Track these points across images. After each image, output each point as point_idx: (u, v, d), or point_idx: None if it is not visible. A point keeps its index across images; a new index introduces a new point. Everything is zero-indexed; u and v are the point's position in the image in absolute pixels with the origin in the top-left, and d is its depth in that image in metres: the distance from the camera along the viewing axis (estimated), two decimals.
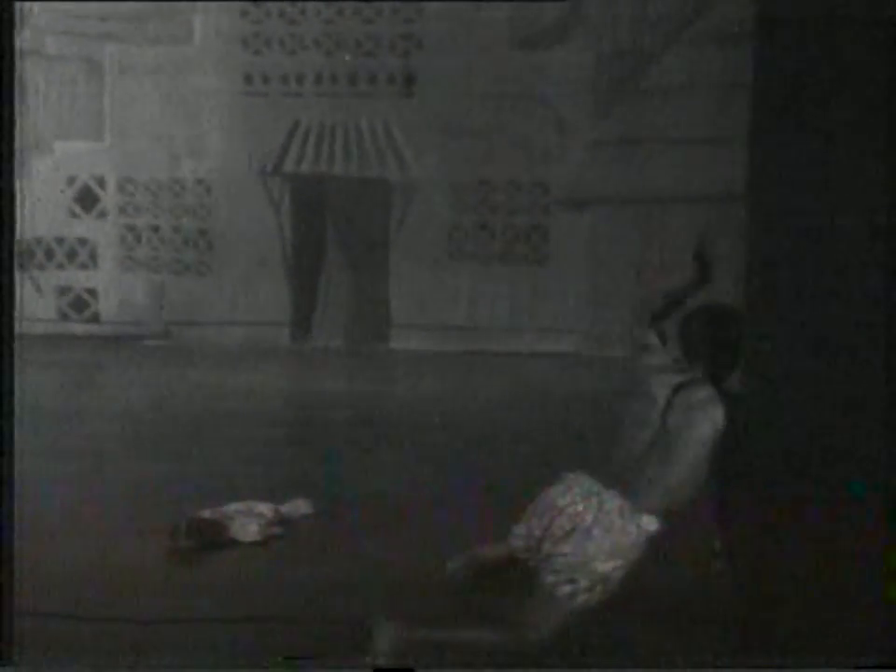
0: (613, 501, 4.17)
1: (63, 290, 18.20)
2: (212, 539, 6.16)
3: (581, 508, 4.19)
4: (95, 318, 18.24)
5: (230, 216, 18.13)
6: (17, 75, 3.42)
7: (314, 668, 3.23)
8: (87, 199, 18.37)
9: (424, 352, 17.12)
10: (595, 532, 4.13)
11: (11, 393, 3.64)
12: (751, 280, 5.04)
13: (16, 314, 3.90)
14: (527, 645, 4.20)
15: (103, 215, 18.35)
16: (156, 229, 18.40)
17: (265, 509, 6.59)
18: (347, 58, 16.66)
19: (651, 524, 4.15)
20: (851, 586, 3.78)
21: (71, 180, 18.25)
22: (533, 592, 4.21)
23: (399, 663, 3.19)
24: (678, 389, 4.32)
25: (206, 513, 6.40)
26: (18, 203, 3.61)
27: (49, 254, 18.24)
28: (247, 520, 6.39)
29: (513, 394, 13.01)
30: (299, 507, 6.85)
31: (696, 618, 3.56)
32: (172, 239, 18.34)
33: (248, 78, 18.10)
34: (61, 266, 18.30)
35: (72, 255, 18.33)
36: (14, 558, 3.53)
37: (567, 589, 4.13)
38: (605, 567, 4.11)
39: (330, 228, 18.39)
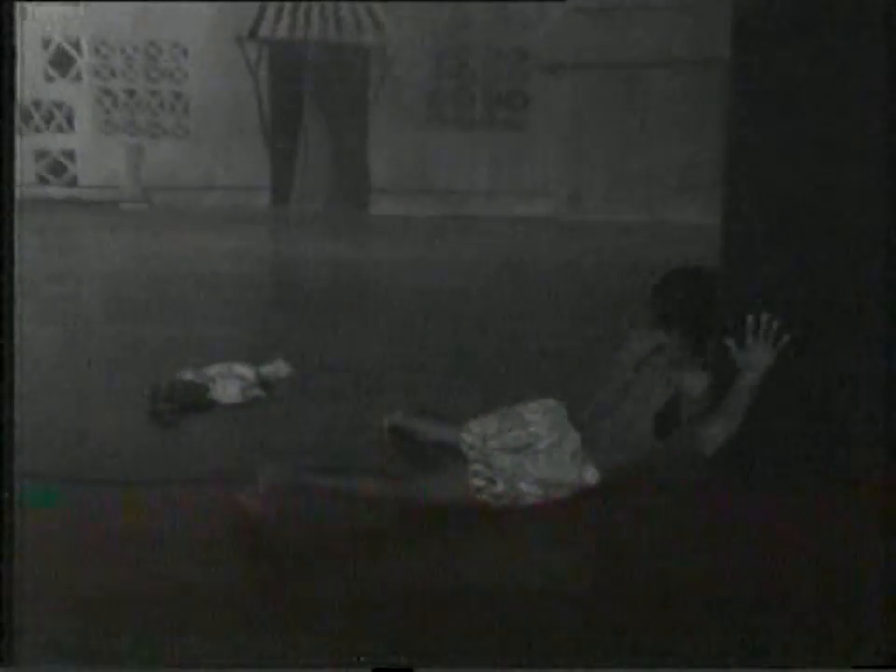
0: (572, 444, 4.30)
1: (40, 154, 17.94)
2: (192, 400, 6.12)
3: (543, 432, 4.30)
4: (73, 182, 18.02)
5: (206, 80, 17.85)
6: None
7: (313, 669, 3.24)
8: (62, 62, 18.05)
9: (403, 216, 17.02)
10: (540, 458, 4.26)
11: (12, 261, 3.58)
12: (731, 162, 4.87)
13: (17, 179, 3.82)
14: (404, 505, 4.26)
15: (78, 78, 18.03)
16: (132, 92, 18.10)
17: (245, 371, 6.53)
18: None
19: (593, 477, 4.29)
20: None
21: (46, 43, 17.89)
22: (449, 466, 4.32)
23: (399, 662, 3.21)
24: (654, 349, 4.42)
25: (187, 375, 6.35)
26: (18, 64, 3.53)
27: (26, 117, 17.96)
28: (228, 382, 6.34)
29: (491, 259, 12.96)
30: (279, 369, 6.81)
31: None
32: (148, 102, 18.07)
33: None
34: (38, 130, 18.03)
35: (49, 118, 18.06)
36: (14, 547, 3.52)
37: (480, 483, 4.23)
38: (527, 488, 4.24)
39: (308, 93, 18.14)
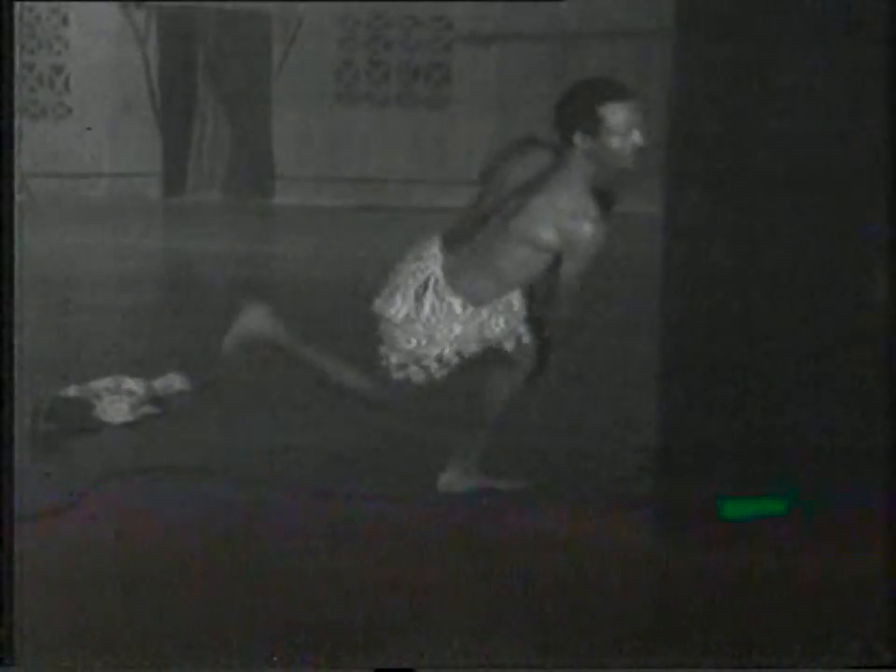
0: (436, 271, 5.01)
1: None
2: (76, 420, 6.08)
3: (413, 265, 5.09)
4: None
5: (89, 51, 17.72)
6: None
7: (313, 669, 3.36)
8: None
9: (311, 207, 17.00)
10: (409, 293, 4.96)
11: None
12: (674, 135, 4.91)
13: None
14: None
15: None
16: None
17: (136, 385, 6.51)
18: None
19: (457, 305, 4.85)
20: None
21: None
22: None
23: (399, 663, 3.34)
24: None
25: (69, 391, 6.32)
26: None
27: None
28: (116, 398, 6.31)
29: None
30: (173, 382, 6.78)
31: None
32: (24, 77, 17.90)
33: None
34: None
35: None
36: (13, 552, 3.60)
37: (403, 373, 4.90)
38: (409, 346, 4.86)
39: (204, 67, 18.07)
